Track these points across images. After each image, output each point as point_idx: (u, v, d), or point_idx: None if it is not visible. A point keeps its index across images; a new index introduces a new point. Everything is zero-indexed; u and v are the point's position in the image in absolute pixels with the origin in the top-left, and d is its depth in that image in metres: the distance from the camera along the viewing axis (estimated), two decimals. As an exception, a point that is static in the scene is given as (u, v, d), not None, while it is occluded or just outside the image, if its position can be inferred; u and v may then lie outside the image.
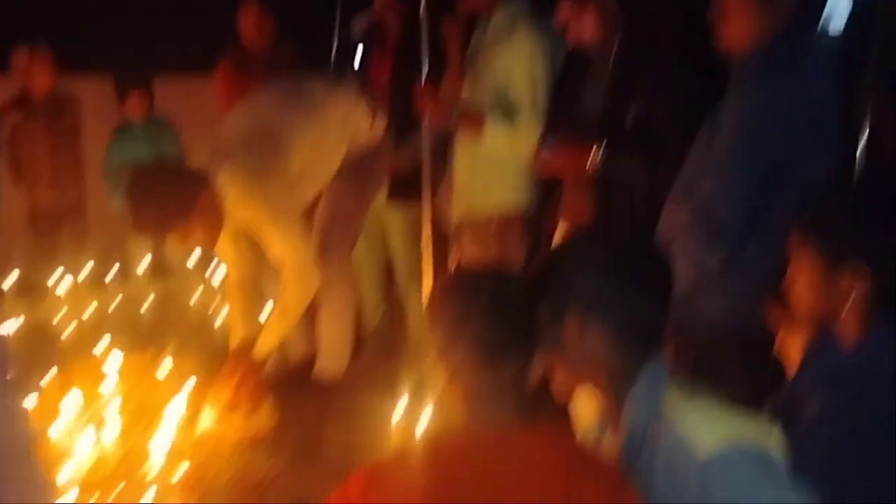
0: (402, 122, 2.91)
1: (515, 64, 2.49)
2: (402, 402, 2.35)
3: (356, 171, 2.71)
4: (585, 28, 2.22)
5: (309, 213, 2.77)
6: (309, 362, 2.83)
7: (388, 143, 2.84)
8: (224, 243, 2.62)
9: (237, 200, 2.34)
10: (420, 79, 2.72)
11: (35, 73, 3.91)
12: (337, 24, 3.91)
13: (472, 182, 2.66)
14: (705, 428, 1.07)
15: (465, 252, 2.75)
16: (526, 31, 2.50)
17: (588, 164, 2.15)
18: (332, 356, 2.72)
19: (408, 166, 2.99)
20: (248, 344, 2.53)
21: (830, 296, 1.35)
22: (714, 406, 1.11)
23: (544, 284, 1.21)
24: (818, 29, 2.16)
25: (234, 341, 2.62)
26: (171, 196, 2.25)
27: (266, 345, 2.51)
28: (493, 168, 2.59)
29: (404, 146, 3.00)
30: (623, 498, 1.06)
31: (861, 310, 1.32)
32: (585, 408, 1.49)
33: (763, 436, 1.08)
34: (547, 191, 2.55)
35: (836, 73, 1.80)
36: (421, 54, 2.73)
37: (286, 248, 2.43)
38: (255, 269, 2.71)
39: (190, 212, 2.26)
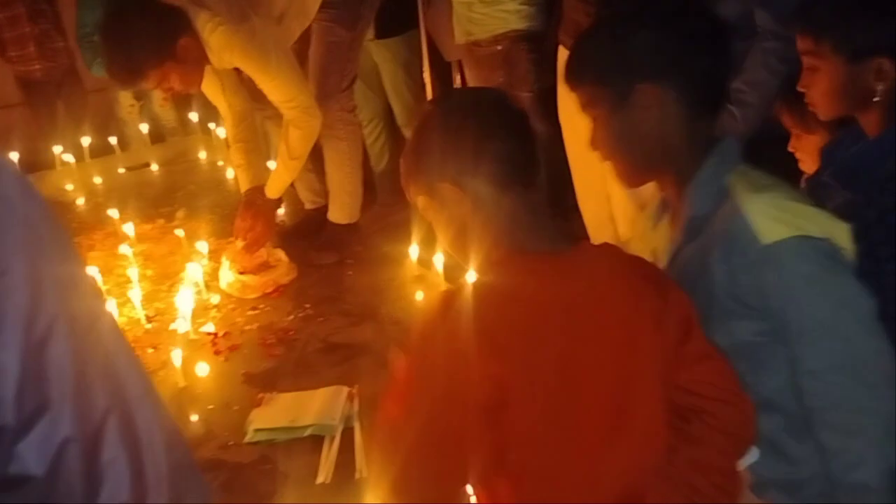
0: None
1: None
2: (416, 246, 2.36)
3: (343, 4, 2.55)
4: None
5: (301, 58, 2.66)
6: (323, 211, 2.83)
7: None
8: (216, 94, 2.54)
9: (223, 45, 2.23)
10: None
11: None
12: None
13: (471, 7, 2.52)
14: (775, 214, 1.04)
15: (471, 79, 2.65)
16: None
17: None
18: (344, 202, 2.70)
19: None
20: (259, 187, 2.52)
21: (853, 94, 1.30)
22: (784, 196, 1.08)
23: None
24: None
25: (244, 188, 2.60)
26: (145, 38, 2.14)
27: (276, 187, 2.50)
28: None
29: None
30: (675, 297, 1.03)
31: (885, 103, 1.28)
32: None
33: (834, 230, 1.06)
34: (549, 8, 2.42)
35: None
36: None
37: (282, 90, 2.33)
38: (252, 118, 2.65)
39: (166, 56, 2.15)
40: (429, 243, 2.38)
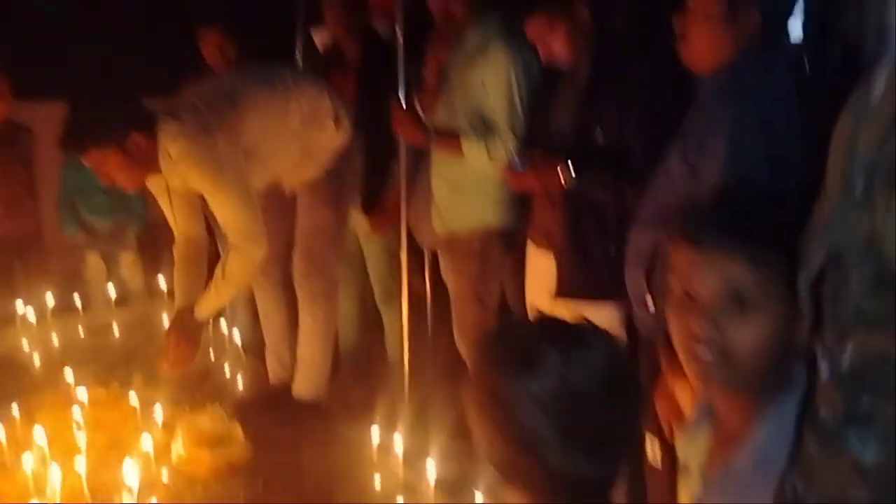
0: (372, 142, 2.90)
1: (491, 82, 2.50)
2: (377, 428, 2.34)
3: (329, 182, 2.67)
4: (556, 44, 2.24)
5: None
6: (286, 385, 2.80)
7: (358, 154, 2.79)
8: (170, 205, 2.58)
9: (182, 155, 2.29)
10: (392, 99, 2.71)
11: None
12: (299, 42, 3.92)
13: (450, 199, 2.66)
14: None
15: (446, 267, 2.75)
16: (500, 49, 2.51)
17: (558, 181, 2.17)
18: (311, 376, 2.69)
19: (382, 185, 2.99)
20: (190, 307, 2.53)
21: None
22: None
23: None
24: (781, 41, 2.20)
25: (178, 305, 2.61)
26: (101, 115, 2.23)
27: (206, 310, 2.51)
28: (472, 186, 2.60)
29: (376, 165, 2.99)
30: None
31: None
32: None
33: None
34: (525, 206, 2.57)
35: (797, 82, 1.84)
36: (396, 73, 2.70)
37: (229, 212, 2.37)
38: (202, 237, 2.67)
39: (112, 141, 2.22)
40: (389, 425, 2.36)
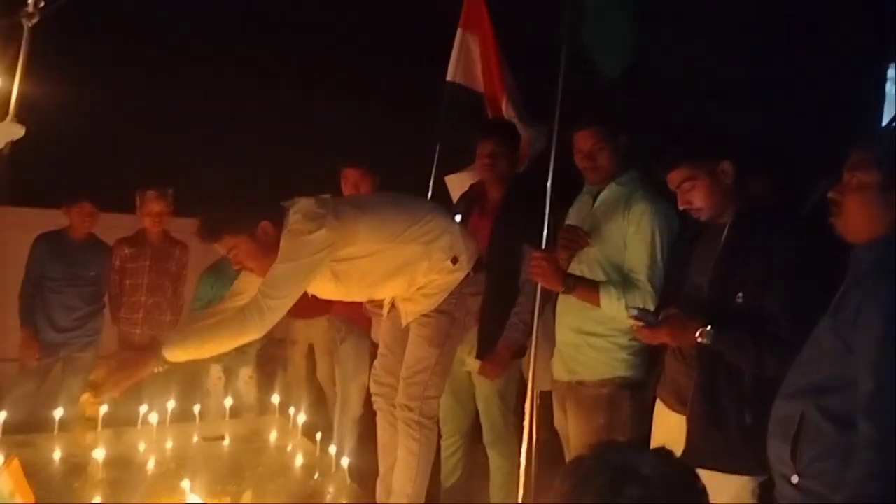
0: (494, 287, 2.98)
1: (632, 238, 2.56)
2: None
3: (438, 320, 2.72)
4: (696, 196, 2.28)
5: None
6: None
7: (474, 297, 2.85)
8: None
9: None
10: (529, 245, 2.79)
11: (156, 214, 4.25)
12: (430, 186, 4.14)
13: (577, 347, 2.67)
14: None
15: (571, 417, 2.72)
16: (643, 205, 2.58)
17: (693, 340, 2.16)
18: None
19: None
20: (160, 344, 2.55)
21: None
22: None
23: None
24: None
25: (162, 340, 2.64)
26: (236, 208, 2.46)
27: (177, 353, 2.51)
28: (602, 334, 2.61)
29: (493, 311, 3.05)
30: None
31: None
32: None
33: None
34: (652, 360, 2.55)
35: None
36: (535, 221, 2.78)
37: (270, 281, 2.43)
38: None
39: (243, 230, 2.43)
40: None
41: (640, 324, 2.29)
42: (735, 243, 2.21)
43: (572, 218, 2.89)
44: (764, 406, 1.86)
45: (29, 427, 3.58)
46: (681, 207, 2.34)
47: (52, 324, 4.26)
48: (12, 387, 4.21)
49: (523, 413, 2.89)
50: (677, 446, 2.21)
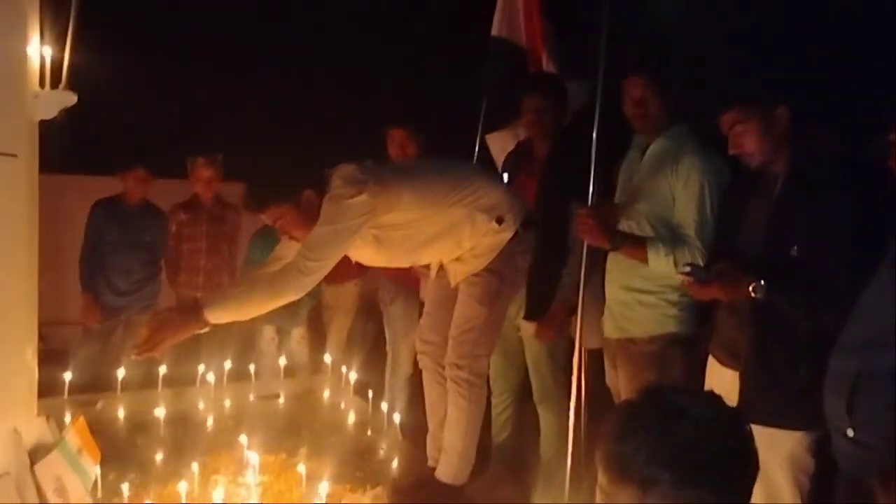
0: (543, 245, 2.95)
1: (681, 193, 2.50)
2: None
3: (488, 279, 2.70)
4: (748, 139, 2.21)
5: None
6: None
7: (522, 255, 2.80)
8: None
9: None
10: (576, 202, 2.75)
11: (207, 179, 4.33)
12: (477, 145, 4.11)
13: (626, 304, 2.65)
14: None
15: (621, 374, 2.71)
16: (692, 159, 2.52)
17: (746, 295, 2.12)
18: (452, 461, 2.69)
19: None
20: (201, 305, 2.56)
21: None
22: None
23: None
24: None
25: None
26: (283, 180, 2.49)
27: (219, 314, 2.53)
28: (652, 291, 2.58)
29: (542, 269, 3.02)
30: None
31: None
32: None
33: None
34: (704, 315, 2.51)
35: None
36: (581, 178, 2.73)
37: (310, 242, 2.46)
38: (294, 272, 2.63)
39: (288, 199, 2.46)
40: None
41: (691, 279, 2.25)
42: (790, 194, 2.14)
43: (622, 175, 2.84)
44: (819, 360, 1.83)
45: (93, 387, 3.73)
46: (731, 152, 2.28)
47: (112, 287, 4.40)
48: (77, 349, 4.36)
49: (572, 370, 2.89)
50: (731, 403, 2.18)
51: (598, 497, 1.08)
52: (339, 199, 2.44)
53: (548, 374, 3.37)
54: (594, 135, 2.72)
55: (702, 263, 2.38)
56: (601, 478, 1.09)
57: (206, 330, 2.58)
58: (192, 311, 2.57)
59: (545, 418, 3.44)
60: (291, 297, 2.53)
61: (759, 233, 2.19)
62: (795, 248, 2.05)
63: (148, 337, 2.54)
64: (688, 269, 2.27)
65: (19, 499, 2.00)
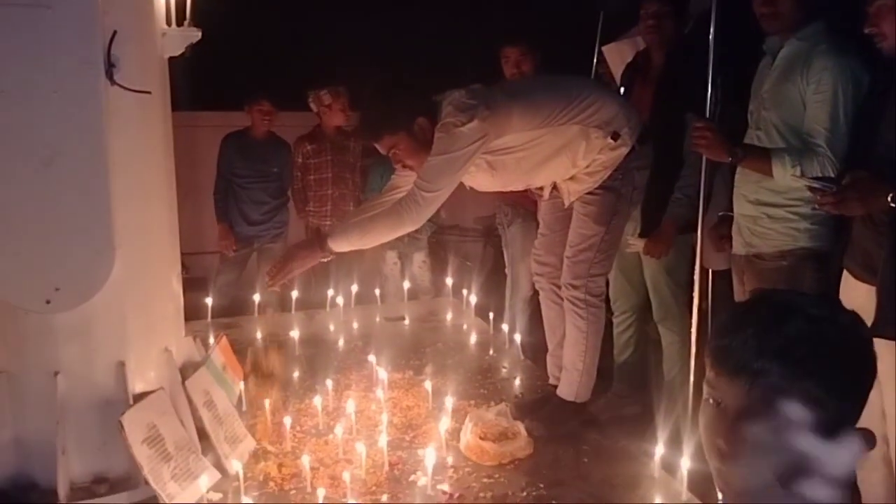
0: (662, 158, 2.85)
1: (812, 98, 2.34)
2: (661, 447, 2.30)
3: (603, 197, 2.63)
4: (885, 23, 2.04)
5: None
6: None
7: (639, 171, 2.68)
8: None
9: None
10: (693, 114, 2.65)
11: (332, 111, 4.44)
12: (595, 57, 3.98)
13: (756, 221, 2.55)
14: None
15: (742, 291, 2.64)
16: (826, 61, 2.34)
17: (885, 206, 1.99)
18: (573, 379, 2.71)
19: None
20: (325, 236, 2.64)
21: None
22: None
23: None
24: None
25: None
26: (393, 108, 2.49)
27: (341, 244, 2.61)
28: (782, 204, 2.47)
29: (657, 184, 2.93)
30: None
31: None
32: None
33: None
34: (838, 228, 2.38)
35: None
36: (699, 87, 2.63)
37: (426, 172, 2.47)
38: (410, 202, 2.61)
39: (401, 127, 2.47)
40: (674, 443, 2.32)
41: (819, 195, 2.12)
42: None
43: (754, 83, 2.68)
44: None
45: (233, 311, 3.99)
46: (866, 31, 2.11)
47: (245, 217, 4.64)
48: (216, 276, 4.67)
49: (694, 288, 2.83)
50: (866, 318, 2.08)
51: (705, 392, 1.06)
52: (450, 127, 2.45)
53: (667, 292, 3.32)
54: (711, 38, 2.57)
55: (833, 174, 2.24)
56: (709, 373, 1.06)
57: (330, 258, 2.69)
58: (316, 241, 2.68)
59: (667, 337, 3.40)
60: (410, 228, 2.58)
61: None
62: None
63: (279, 266, 2.68)
64: (816, 183, 2.14)
65: (174, 411, 2.20)
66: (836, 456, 0.84)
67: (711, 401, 1.04)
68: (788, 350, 0.96)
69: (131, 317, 2.21)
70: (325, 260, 2.70)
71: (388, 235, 2.64)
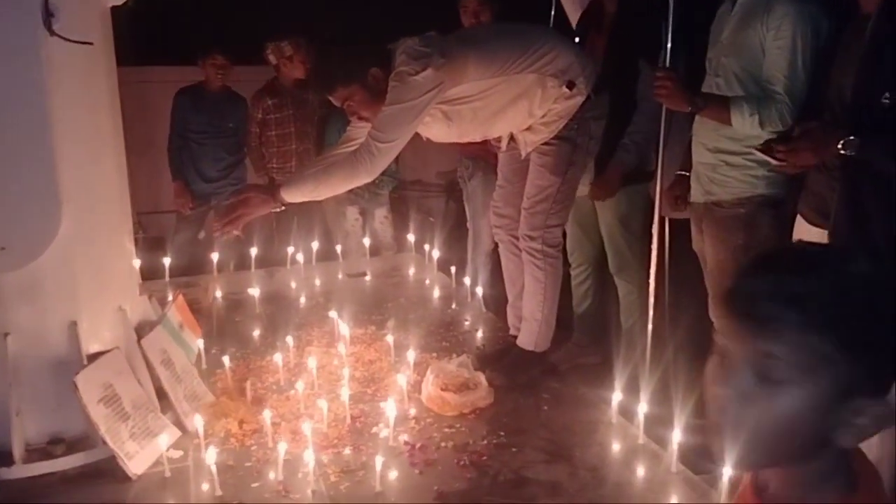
0: (614, 106, 2.84)
1: (771, 45, 2.34)
2: (619, 394, 2.33)
3: (559, 148, 2.62)
4: None
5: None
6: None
7: (595, 121, 2.68)
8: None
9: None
10: (652, 62, 2.64)
11: (292, 63, 4.34)
12: (553, 7, 3.94)
13: (715, 169, 2.56)
14: None
15: (708, 237, 2.66)
16: (785, 7, 2.34)
17: (836, 153, 2.01)
18: (532, 329, 2.73)
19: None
20: (279, 185, 2.63)
21: None
22: None
23: None
24: None
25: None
26: (344, 59, 2.46)
27: (294, 194, 2.58)
28: (740, 155, 2.48)
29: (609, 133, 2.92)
30: None
31: None
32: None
33: None
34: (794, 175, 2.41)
35: None
36: (657, 35, 2.62)
37: (380, 121, 2.44)
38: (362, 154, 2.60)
39: (354, 79, 2.44)
40: (632, 391, 2.36)
41: (770, 158, 2.14)
42: (881, 35, 1.97)
43: (713, 29, 2.67)
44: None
45: (191, 270, 3.94)
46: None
47: (201, 174, 4.56)
48: (173, 235, 4.60)
49: (650, 238, 2.85)
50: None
51: (715, 344, 1.02)
52: (404, 76, 2.40)
53: (622, 243, 3.35)
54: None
55: (790, 122, 2.25)
56: (718, 320, 1.01)
57: (281, 209, 2.66)
58: (270, 190, 2.64)
59: (623, 288, 3.44)
60: (365, 180, 2.55)
61: (850, 84, 2.04)
62: (888, 95, 1.91)
63: (229, 210, 2.64)
64: (760, 149, 2.14)
65: (131, 370, 2.17)
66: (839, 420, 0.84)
67: (716, 353, 0.97)
68: (807, 300, 0.87)
69: (82, 276, 2.16)
70: (277, 210, 2.67)
71: (343, 187, 2.61)
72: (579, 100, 2.55)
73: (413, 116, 2.43)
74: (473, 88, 2.50)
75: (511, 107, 2.54)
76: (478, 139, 2.80)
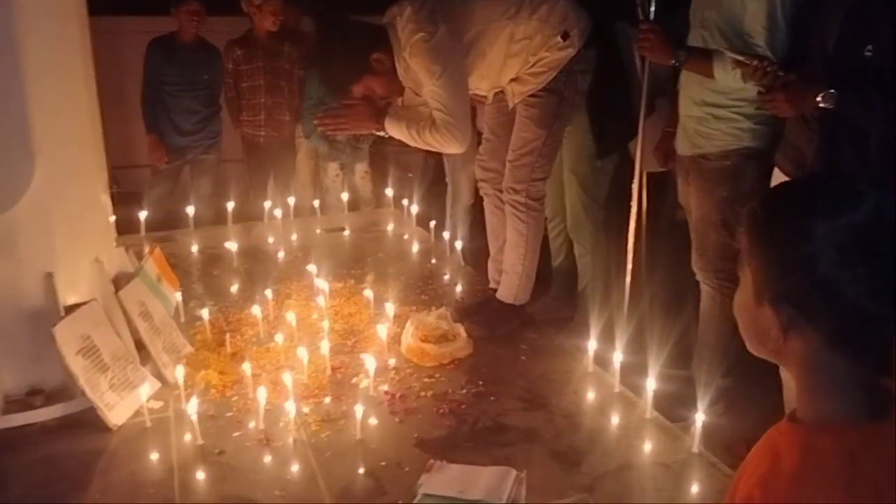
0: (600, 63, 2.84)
1: None
2: (594, 342, 2.37)
3: (546, 100, 2.63)
4: None
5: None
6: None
7: (583, 74, 2.68)
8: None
9: (413, 51, 2.46)
10: (636, 17, 2.62)
11: (262, 12, 4.25)
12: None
13: (702, 122, 2.57)
14: None
15: (695, 189, 2.68)
16: None
17: (815, 105, 2.02)
18: (512, 282, 2.76)
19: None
20: (384, 111, 2.67)
21: None
22: None
23: None
24: None
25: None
26: (344, 62, 2.54)
27: (392, 129, 2.65)
28: (726, 105, 2.49)
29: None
30: None
31: None
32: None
33: None
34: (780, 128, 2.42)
35: None
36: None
37: (439, 99, 2.49)
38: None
39: (362, 72, 2.53)
40: (607, 341, 2.39)
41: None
42: None
43: None
44: (888, 169, 1.76)
45: (167, 224, 3.90)
46: None
47: (176, 128, 4.47)
48: (149, 189, 4.53)
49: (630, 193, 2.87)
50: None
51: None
52: (420, 45, 2.43)
53: (579, 206, 3.37)
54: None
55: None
56: (743, 243, 0.99)
57: (382, 133, 2.72)
58: (379, 112, 2.67)
59: (577, 249, 3.48)
60: (457, 151, 2.62)
61: (832, 36, 2.05)
62: (870, 47, 1.92)
63: (333, 114, 2.71)
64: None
65: (109, 322, 2.16)
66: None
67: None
68: (845, 235, 0.86)
69: (57, 227, 2.13)
70: (378, 133, 2.73)
71: (432, 147, 2.64)
72: (570, 52, 2.56)
73: (459, 77, 2.49)
74: (483, 40, 2.53)
75: (517, 53, 2.57)
76: (484, 92, 2.79)
